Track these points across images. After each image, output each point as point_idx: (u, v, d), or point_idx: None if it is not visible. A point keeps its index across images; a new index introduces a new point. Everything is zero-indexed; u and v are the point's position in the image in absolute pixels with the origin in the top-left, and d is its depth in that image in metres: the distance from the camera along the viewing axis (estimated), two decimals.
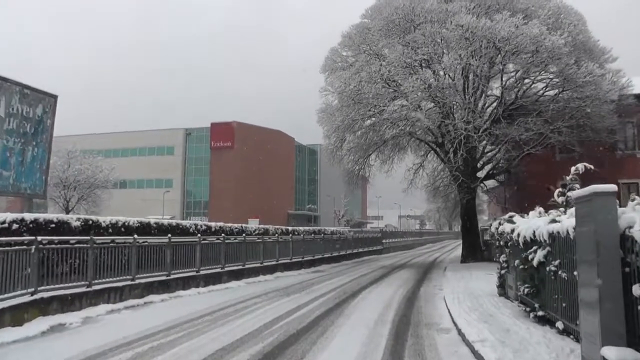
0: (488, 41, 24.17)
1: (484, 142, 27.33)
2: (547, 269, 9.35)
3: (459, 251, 49.18)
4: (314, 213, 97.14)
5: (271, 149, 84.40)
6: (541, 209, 11.73)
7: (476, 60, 24.46)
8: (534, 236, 10.11)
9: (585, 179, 28.72)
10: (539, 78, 26.88)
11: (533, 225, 10.20)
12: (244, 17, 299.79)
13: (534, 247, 10.18)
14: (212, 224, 22.95)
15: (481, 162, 30.35)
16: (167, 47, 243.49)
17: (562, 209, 10.51)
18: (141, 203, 77.66)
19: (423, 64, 26.62)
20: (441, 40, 25.09)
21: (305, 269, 27.11)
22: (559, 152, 30.75)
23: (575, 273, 7.66)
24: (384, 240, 51.09)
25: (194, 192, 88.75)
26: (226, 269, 19.71)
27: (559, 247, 8.85)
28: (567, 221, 8.44)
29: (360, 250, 40.84)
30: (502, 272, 14.01)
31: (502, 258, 13.78)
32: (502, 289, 14.24)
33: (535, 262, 9.96)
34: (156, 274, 15.34)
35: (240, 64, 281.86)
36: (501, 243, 13.83)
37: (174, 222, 20.03)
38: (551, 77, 26.30)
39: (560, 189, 10.83)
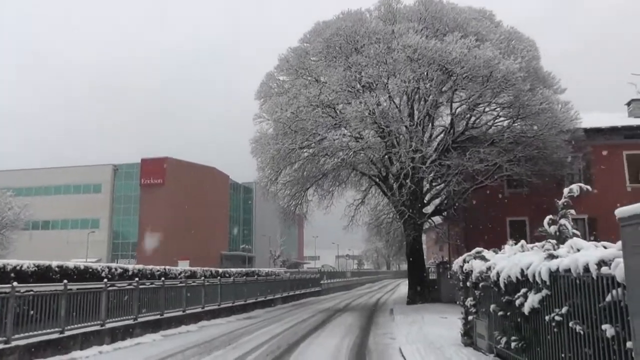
0: (438, 64, 22.58)
1: (432, 174, 25.38)
2: (546, 318, 7.16)
3: (401, 291, 47.38)
4: (249, 254, 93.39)
5: (204, 187, 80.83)
6: (523, 241, 9.64)
7: (425, 84, 22.76)
8: (523, 276, 7.93)
9: (536, 215, 27.28)
10: (491, 107, 25.45)
11: (521, 262, 8.03)
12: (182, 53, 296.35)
13: (523, 290, 7.99)
14: (130, 266, 20.19)
15: (428, 197, 28.56)
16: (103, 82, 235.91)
17: (552, 241, 8.45)
18: (64, 245, 72.25)
19: (366, 88, 24.71)
20: (386, 62, 23.30)
21: (236, 316, 24.17)
22: (507, 187, 29.67)
23: (606, 328, 5.47)
24: (322, 281, 48.63)
25: (122, 232, 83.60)
26: (140, 319, 16.58)
27: (566, 291, 6.68)
28: (581, 255, 6.29)
29: (298, 292, 38.18)
30: (470, 317, 11.78)
31: (469, 301, 11.56)
32: (469, 337, 11.99)
33: (526, 309, 7.75)
34: (45, 331, 12.11)
35: (174, 100, 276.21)
36: (468, 284, 11.62)
37: (82, 265, 17.07)
38: (504, 104, 24.94)
39: (550, 217, 8.74)
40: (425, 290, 28.32)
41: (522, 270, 7.91)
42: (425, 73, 22.98)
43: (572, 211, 8.60)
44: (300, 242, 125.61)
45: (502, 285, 8.71)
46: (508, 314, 8.80)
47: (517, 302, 8.04)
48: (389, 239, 33.41)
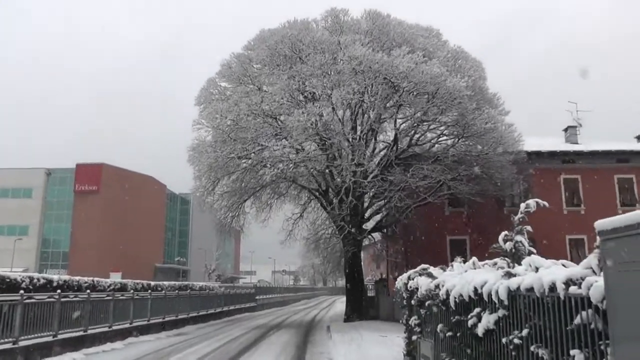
0: (384, 78, 22.21)
1: (374, 189, 24.84)
2: (503, 340, 6.59)
3: (337, 307, 46.77)
4: (184, 267, 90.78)
5: (141, 196, 78.13)
6: (474, 258, 9.11)
7: (370, 97, 22.35)
8: (476, 294, 7.37)
9: (476, 234, 27.24)
10: (436, 124, 25.30)
11: (474, 280, 7.46)
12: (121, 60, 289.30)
13: (476, 310, 7.41)
14: (55, 277, 18.87)
15: (369, 212, 28.10)
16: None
17: (506, 259, 7.94)
18: None
19: (310, 99, 24.08)
20: (331, 73, 22.76)
21: (166, 332, 22.93)
22: (448, 206, 29.68)
23: (575, 353, 4.91)
24: (257, 297, 47.58)
25: (53, 241, 79.44)
26: (60, 336, 15.21)
27: (526, 312, 6.12)
28: (546, 273, 5.75)
29: (232, 307, 37.03)
30: (413, 337, 11.18)
31: (414, 320, 10.96)
32: (412, 358, 11.39)
33: (480, 330, 7.17)
34: None
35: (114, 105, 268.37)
36: (412, 302, 11.03)
37: None
38: (449, 123, 24.83)
39: (506, 233, 8.22)
40: (363, 307, 27.78)
41: (476, 289, 7.34)
42: (371, 86, 22.59)
43: (529, 227, 8.12)
44: (236, 256, 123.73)
45: (452, 304, 8.11)
46: (458, 334, 8.22)
47: (470, 323, 7.46)
48: (327, 255, 32.81)
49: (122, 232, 72.79)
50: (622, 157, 32.22)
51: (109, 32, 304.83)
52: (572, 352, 4.99)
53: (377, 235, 32.52)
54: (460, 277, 8.17)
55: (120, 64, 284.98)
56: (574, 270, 5.46)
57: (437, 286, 8.98)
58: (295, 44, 24.22)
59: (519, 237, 7.99)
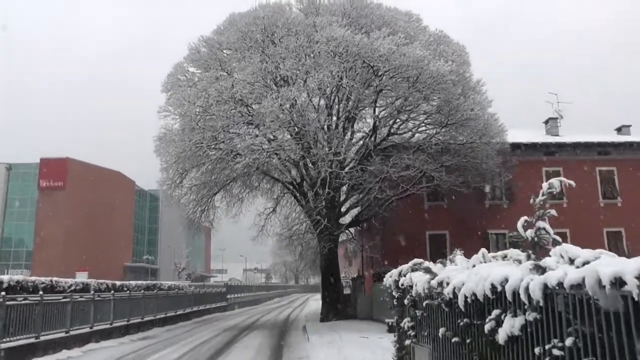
0: (363, 61, 20.86)
1: (352, 180, 23.36)
2: (536, 351, 5.30)
3: (311, 306, 45.45)
4: (153, 265, 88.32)
5: (109, 193, 75.28)
6: (484, 250, 7.80)
7: (348, 81, 20.92)
8: (494, 293, 6.08)
9: (456, 229, 26.13)
10: (419, 111, 23.99)
11: (491, 275, 6.17)
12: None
13: (495, 312, 6.11)
14: (6, 277, 17.00)
15: (346, 206, 26.76)
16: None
17: (515, 251, 6.68)
18: None
19: (283, 84, 22.57)
20: (306, 56, 21.34)
21: (131, 336, 21.31)
22: (427, 200, 28.69)
23: None
24: (229, 296, 45.99)
25: (15, 240, 76.03)
26: (4, 345, 13.45)
27: (567, 314, 4.83)
28: (603, 265, 4.45)
29: (203, 307, 35.44)
30: (407, 342, 9.84)
31: (407, 323, 9.64)
32: None
33: (501, 337, 5.86)
34: None
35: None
36: (405, 301, 9.69)
37: None
38: (431, 112, 23.61)
39: (526, 218, 6.92)
40: (340, 306, 26.47)
41: (494, 287, 6.02)
42: (349, 69, 21.18)
43: (553, 211, 6.85)
44: (207, 254, 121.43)
45: (460, 304, 6.78)
46: (468, 341, 6.90)
47: (486, 328, 6.14)
48: (301, 251, 31.40)
49: (90, 230, 70.09)
50: (603, 149, 31.57)
51: (76, 20, 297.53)
52: None
53: (352, 232, 31.24)
54: (470, 273, 6.84)
55: (87, 52, 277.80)
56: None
57: (439, 283, 7.61)
58: (268, 26, 22.75)
59: (540, 223, 6.69)
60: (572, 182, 6.97)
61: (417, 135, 24.74)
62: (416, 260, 9.87)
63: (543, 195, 6.92)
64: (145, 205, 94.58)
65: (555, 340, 4.98)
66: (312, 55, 21.38)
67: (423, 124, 24.64)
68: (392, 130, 24.57)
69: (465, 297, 6.61)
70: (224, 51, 24.50)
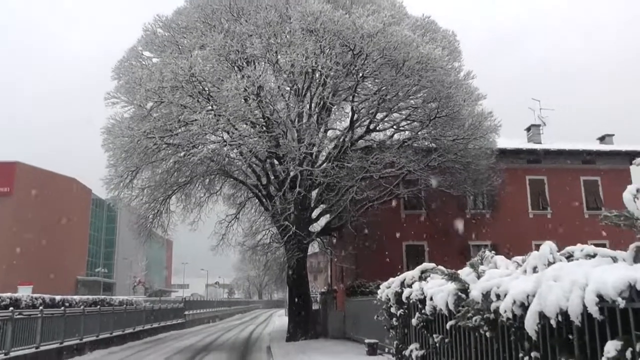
0: (343, 43, 18.35)
1: (327, 178, 20.55)
2: None
3: (276, 322, 42.47)
4: (107, 279, 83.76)
5: (62, 201, 70.66)
6: (549, 242, 5.35)
7: (326, 62, 18.27)
8: (602, 312, 3.60)
9: (435, 241, 23.78)
10: (407, 102, 21.48)
11: (596, 279, 3.70)
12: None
13: (616, 345, 3.63)
14: None
15: (317, 212, 24.09)
16: None
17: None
18: None
19: (250, 63, 19.78)
20: (277, 33, 18.73)
21: None
22: (404, 209, 26.42)
23: None
24: (187, 312, 42.64)
25: None
26: None
27: None
28: None
29: (157, 325, 32.21)
30: None
31: (415, 350, 7.08)
32: None
33: None
34: None
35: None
36: (413, 321, 7.12)
37: None
38: (418, 105, 21.17)
39: (637, 187, 4.43)
40: (309, 323, 23.73)
41: (602, 299, 3.50)
42: (327, 49, 18.55)
43: None
44: (169, 268, 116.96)
45: (531, 328, 4.23)
46: None
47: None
48: (266, 262, 28.47)
49: (39, 241, 65.27)
50: (587, 157, 29.78)
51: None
52: None
53: (323, 241, 28.54)
54: (542, 278, 4.30)
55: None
56: None
57: (485, 295, 5.03)
58: (236, 2, 20.04)
59: None
60: None
61: (401, 132, 22.36)
62: (426, 264, 7.38)
63: None
64: (102, 216, 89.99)
65: None
66: (284, 33, 18.78)
67: (408, 120, 22.17)
68: (372, 126, 22.05)
69: (541, 317, 4.06)
70: (184, 35, 21.69)
